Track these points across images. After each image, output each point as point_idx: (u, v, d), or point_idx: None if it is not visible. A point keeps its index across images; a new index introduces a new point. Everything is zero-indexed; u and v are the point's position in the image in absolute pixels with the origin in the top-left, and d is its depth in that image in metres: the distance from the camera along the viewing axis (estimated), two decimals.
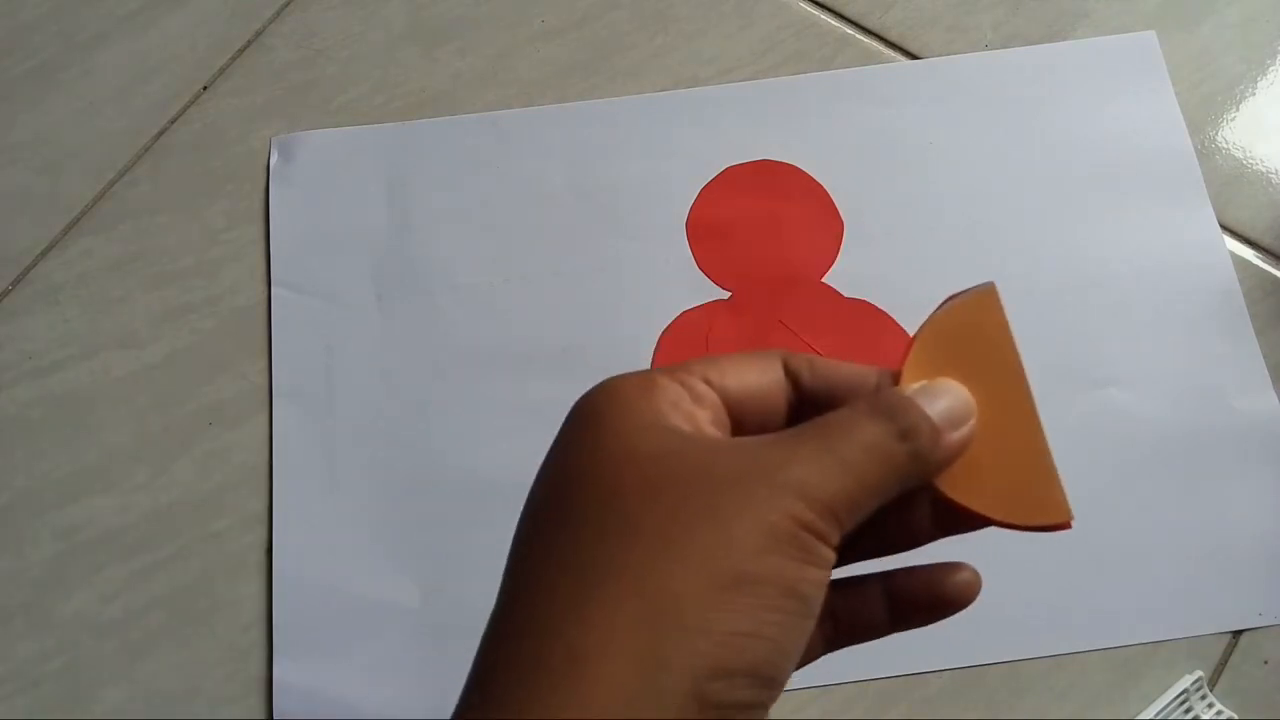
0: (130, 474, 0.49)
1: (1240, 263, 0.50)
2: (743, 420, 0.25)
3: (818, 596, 0.22)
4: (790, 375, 0.26)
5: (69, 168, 0.55)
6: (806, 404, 0.26)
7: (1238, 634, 0.44)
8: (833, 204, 0.52)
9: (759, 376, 0.26)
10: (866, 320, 0.50)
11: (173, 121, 0.56)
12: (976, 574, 0.27)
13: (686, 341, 0.50)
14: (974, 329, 0.27)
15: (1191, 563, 0.45)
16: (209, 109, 0.56)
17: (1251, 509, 0.46)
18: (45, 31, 0.58)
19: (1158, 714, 0.42)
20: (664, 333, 0.50)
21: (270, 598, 0.46)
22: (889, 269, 0.51)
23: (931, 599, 0.26)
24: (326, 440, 0.49)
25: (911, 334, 0.27)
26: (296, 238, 0.53)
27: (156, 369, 0.51)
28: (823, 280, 0.51)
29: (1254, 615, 0.44)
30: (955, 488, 0.25)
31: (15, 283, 0.53)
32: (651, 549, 0.21)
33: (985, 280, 0.27)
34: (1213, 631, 0.44)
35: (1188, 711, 0.43)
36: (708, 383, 0.25)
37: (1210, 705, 0.43)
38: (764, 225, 0.52)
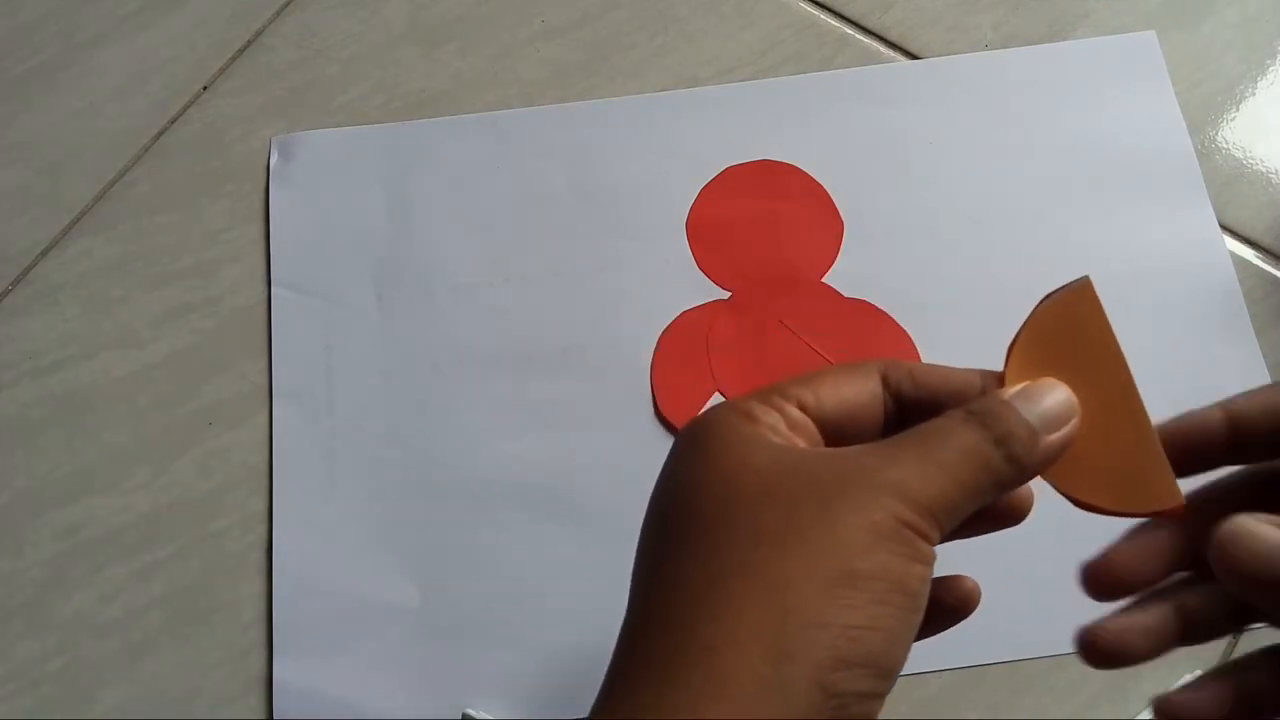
0: (130, 474, 0.49)
1: (1240, 263, 0.50)
2: (839, 438, 0.27)
3: (923, 591, 0.23)
4: (890, 387, 0.27)
5: (69, 168, 0.55)
6: (908, 413, 0.27)
7: (1238, 634, 0.44)
8: (833, 204, 0.52)
9: (856, 393, 0.27)
10: (866, 320, 0.50)
11: (173, 121, 0.56)
12: (976, 585, 0.28)
13: (686, 341, 0.50)
14: (1073, 323, 0.28)
15: None
16: (209, 109, 0.56)
17: None
18: (45, 31, 0.58)
19: None
20: (664, 333, 0.50)
21: (270, 598, 0.46)
22: (889, 269, 0.51)
23: (933, 612, 0.27)
24: (326, 440, 0.49)
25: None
26: (296, 238, 0.53)
27: (156, 369, 0.51)
28: (823, 280, 0.51)
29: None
30: (1065, 479, 0.26)
31: (15, 283, 0.53)
32: (771, 550, 0.22)
33: (1080, 276, 0.28)
34: None
35: None
36: (803, 407, 0.26)
37: None
38: (764, 225, 0.52)
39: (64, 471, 0.49)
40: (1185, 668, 0.43)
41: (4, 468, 0.49)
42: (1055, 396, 0.26)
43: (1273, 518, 0.24)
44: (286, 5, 0.58)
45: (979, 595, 0.29)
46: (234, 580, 0.47)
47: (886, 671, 0.22)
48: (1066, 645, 0.44)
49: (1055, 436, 0.25)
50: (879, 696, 0.23)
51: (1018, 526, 0.42)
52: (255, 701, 0.45)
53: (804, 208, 0.52)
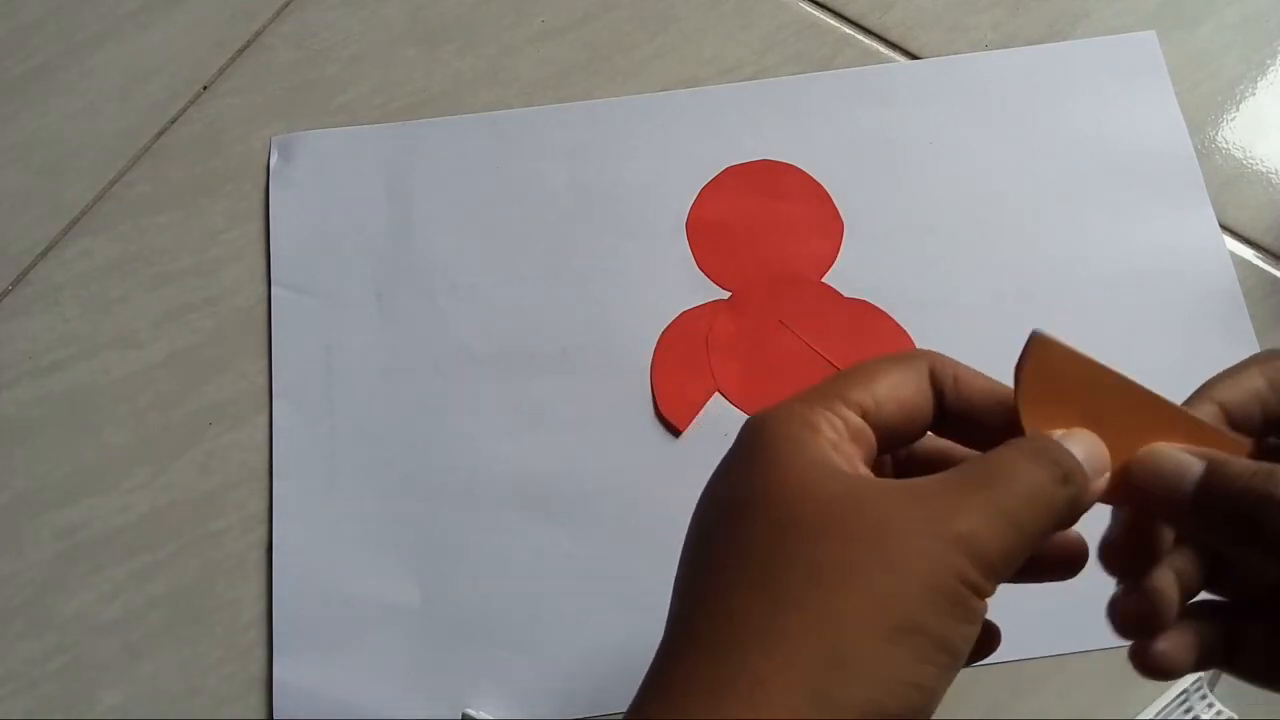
0: (130, 474, 0.49)
1: (1240, 263, 0.50)
2: (892, 438, 0.27)
3: (966, 651, 0.23)
4: (935, 384, 0.27)
5: (69, 168, 0.55)
6: (947, 414, 0.27)
7: None
8: (833, 204, 0.52)
9: (912, 395, 0.27)
10: (866, 320, 0.50)
11: (173, 121, 0.56)
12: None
13: (686, 341, 0.50)
14: (1059, 375, 0.27)
15: None
16: (209, 109, 0.56)
17: None
18: (45, 31, 0.58)
19: (1158, 714, 0.42)
20: (664, 333, 0.50)
21: (270, 597, 0.46)
22: (889, 269, 0.51)
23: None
24: (326, 440, 0.49)
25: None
26: (296, 238, 0.53)
27: (156, 369, 0.51)
28: (823, 280, 0.51)
29: None
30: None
31: (15, 283, 0.53)
32: (830, 590, 0.22)
33: (1030, 332, 0.27)
34: None
35: (1188, 711, 0.43)
36: (864, 413, 0.26)
37: (1210, 705, 0.43)
38: (764, 225, 0.52)
39: (64, 471, 0.49)
40: None
41: (4, 468, 0.49)
42: (1092, 442, 0.26)
43: (1195, 448, 0.26)
44: (286, 5, 0.58)
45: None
46: (234, 580, 0.47)
47: None
48: (1066, 645, 0.44)
49: (1101, 481, 0.26)
50: None
51: None
52: (255, 701, 0.45)
53: (804, 208, 0.52)
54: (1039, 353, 0.27)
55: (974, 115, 0.54)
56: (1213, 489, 0.25)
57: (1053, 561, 0.28)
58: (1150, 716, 0.42)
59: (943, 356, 0.28)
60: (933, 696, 0.23)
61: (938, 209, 0.52)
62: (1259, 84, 0.54)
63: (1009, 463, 0.24)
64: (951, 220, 0.52)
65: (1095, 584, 0.47)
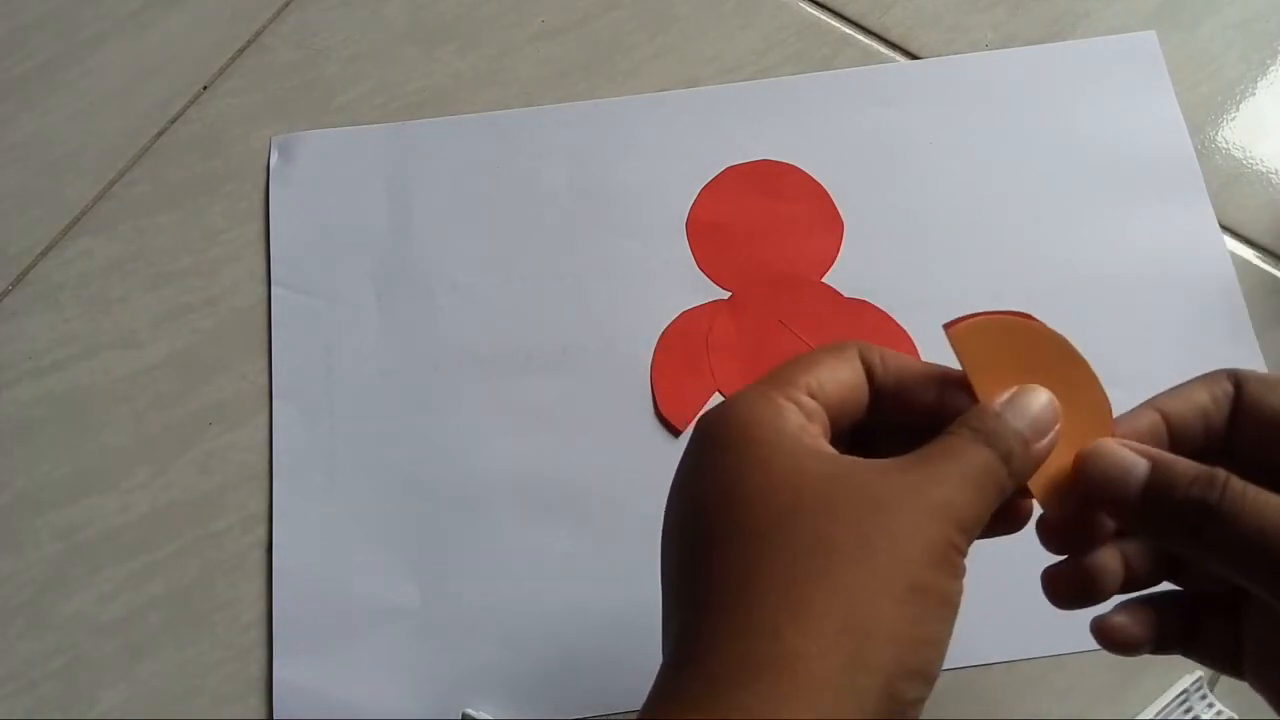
0: (130, 474, 0.49)
1: (1240, 263, 0.50)
2: (838, 419, 0.28)
3: (959, 603, 0.25)
4: (865, 367, 0.29)
5: (69, 168, 0.55)
6: (881, 395, 0.29)
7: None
8: (833, 204, 0.52)
9: (850, 378, 0.28)
10: (866, 320, 0.50)
11: (173, 121, 0.56)
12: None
13: (686, 341, 0.50)
14: (1023, 333, 0.28)
15: None
16: (209, 109, 0.56)
17: None
18: (45, 31, 0.58)
19: (1158, 714, 0.42)
20: (664, 333, 0.50)
21: (270, 598, 0.46)
22: (889, 269, 0.51)
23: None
24: (326, 440, 0.49)
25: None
26: (296, 238, 0.53)
27: (156, 369, 0.51)
28: (823, 280, 0.51)
29: None
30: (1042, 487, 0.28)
31: (15, 283, 0.53)
32: (846, 563, 0.24)
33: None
34: None
35: (1188, 711, 0.43)
36: (813, 395, 0.28)
37: (1210, 705, 0.43)
38: (764, 225, 0.52)
39: (64, 471, 0.49)
40: (1185, 668, 0.44)
41: (4, 468, 0.49)
42: (1042, 404, 0.27)
43: (1137, 445, 0.27)
44: (286, 5, 0.58)
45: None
46: (234, 580, 0.47)
47: (933, 679, 0.24)
48: (1066, 645, 0.44)
49: (1040, 445, 0.27)
50: (924, 702, 0.25)
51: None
52: (255, 701, 0.45)
53: (804, 208, 0.52)
54: (969, 334, 0.28)
55: (974, 115, 0.54)
56: (1156, 491, 0.26)
57: (1001, 519, 0.29)
58: (1150, 716, 0.42)
59: (869, 344, 0.29)
60: (941, 649, 0.24)
61: (938, 209, 0.52)
62: (1259, 84, 0.54)
63: (960, 445, 0.26)
64: (951, 220, 0.52)
65: None
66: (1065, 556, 0.30)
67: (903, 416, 0.29)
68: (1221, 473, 0.26)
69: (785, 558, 0.24)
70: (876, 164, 0.53)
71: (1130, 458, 0.27)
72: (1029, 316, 0.28)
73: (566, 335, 0.50)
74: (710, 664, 0.24)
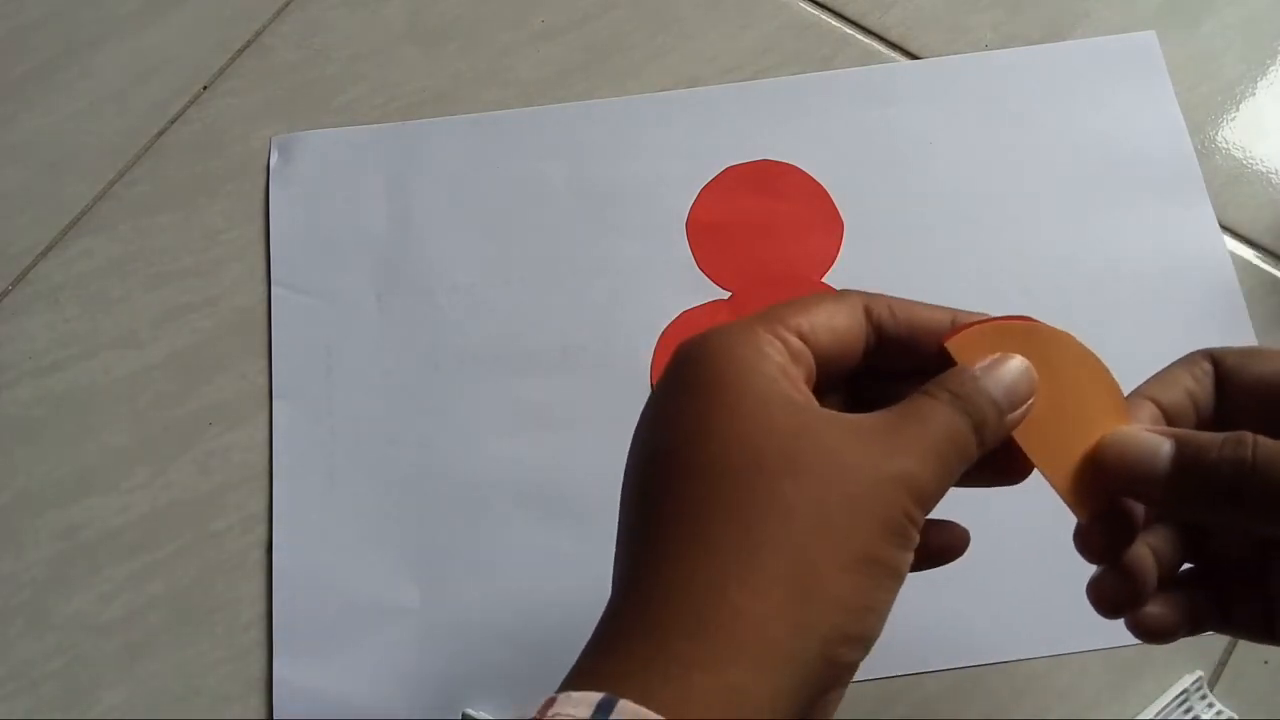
0: (130, 474, 0.49)
1: (1240, 263, 0.50)
2: (827, 365, 0.28)
3: (906, 573, 0.25)
4: (872, 320, 0.28)
5: (69, 168, 0.55)
6: (886, 345, 0.29)
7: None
8: (833, 204, 0.52)
9: (847, 325, 0.28)
10: None
11: (173, 121, 0.56)
12: (966, 531, 0.31)
13: None
14: (1024, 334, 0.28)
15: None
16: (209, 109, 0.56)
17: None
18: (45, 31, 0.58)
19: (1158, 714, 0.42)
20: (664, 333, 0.50)
21: (270, 597, 0.46)
22: (889, 269, 0.51)
23: (931, 551, 0.30)
24: (326, 440, 0.49)
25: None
26: (296, 238, 0.53)
27: (156, 369, 0.51)
28: (822, 280, 0.51)
29: None
30: (1030, 439, 0.27)
31: (15, 283, 0.53)
32: (801, 530, 0.24)
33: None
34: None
35: (1188, 711, 0.43)
36: (802, 337, 0.27)
37: (1210, 705, 0.43)
38: (764, 225, 0.52)
39: (64, 471, 0.49)
40: (1185, 668, 0.44)
41: (4, 468, 0.49)
42: (1020, 373, 0.27)
43: (1156, 427, 0.28)
44: (286, 5, 0.58)
45: (968, 540, 0.31)
46: (234, 580, 0.47)
47: (871, 644, 0.25)
48: (1066, 645, 0.44)
49: (1013, 416, 0.27)
50: (857, 666, 0.25)
51: (1019, 528, 0.43)
52: (255, 701, 0.45)
53: (804, 208, 0.52)
54: (967, 343, 0.28)
55: (974, 115, 0.54)
56: (1187, 465, 0.26)
57: (997, 470, 0.29)
58: (1150, 716, 0.42)
59: (877, 295, 0.29)
60: (883, 616, 0.25)
61: (938, 209, 0.52)
62: (1259, 84, 0.54)
63: (931, 410, 0.26)
64: (952, 220, 0.52)
65: None
66: (1103, 565, 0.29)
67: (915, 363, 0.29)
68: (1248, 433, 0.26)
69: (741, 517, 0.24)
70: (876, 164, 0.53)
71: (1153, 437, 0.27)
72: (1029, 319, 0.28)
73: (566, 335, 0.50)
74: (655, 613, 0.24)
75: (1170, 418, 0.29)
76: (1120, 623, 0.45)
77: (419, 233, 0.53)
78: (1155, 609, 0.29)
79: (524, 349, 0.50)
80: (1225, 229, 0.51)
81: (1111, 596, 0.29)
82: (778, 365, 0.26)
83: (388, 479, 0.48)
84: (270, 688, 0.45)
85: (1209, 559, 0.31)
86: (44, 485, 0.49)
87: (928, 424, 0.26)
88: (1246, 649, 0.44)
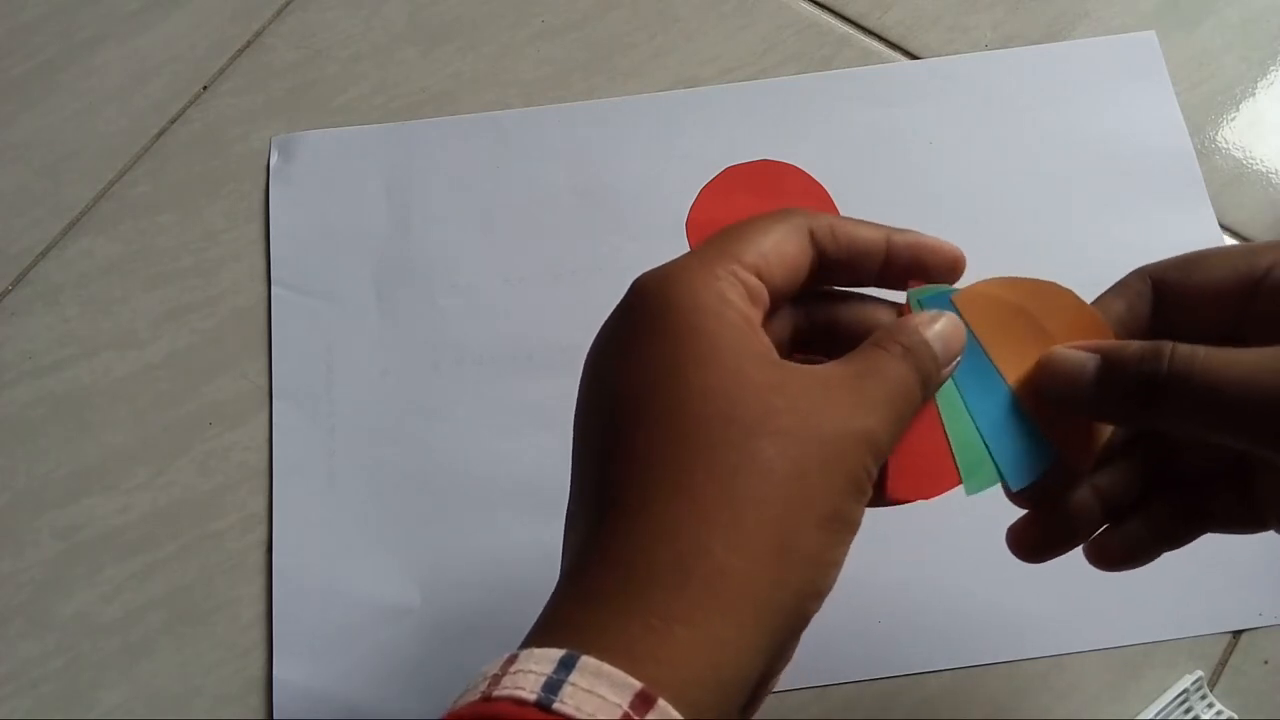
0: (130, 474, 0.49)
1: None
2: (777, 294, 0.28)
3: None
4: (816, 242, 0.29)
5: (69, 168, 0.55)
6: (826, 266, 0.29)
7: (1238, 634, 0.44)
8: (833, 204, 0.52)
9: (796, 253, 0.29)
10: None
11: (173, 121, 0.56)
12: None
13: None
14: (986, 298, 0.31)
15: (1191, 563, 0.45)
16: (209, 109, 0.56)
17: None
18: (45, 31, 0.58)
19: (1158, 714, 0.42)
20: None
21: (270, 597, 0.46)
22: None
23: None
24: (326, 440, 0.49)
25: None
26: (296, 238, 0.53)
27: (156, 369, 0.51)
28: None
29: (1254, 615, 0.44)
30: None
31: (15, 283, 0.53)
32: (778, 488, 0.24)
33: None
34: (1213, 631, 0.44)
35: (1188, 711, 0.43)
36: (758, 273, 0.28)
37: (1210, 705, 0.43)
38: None
39: (64, 471, 0.49)
40: (1185, 667, 0.44)
41: (4, 468, 0.49)
42: (952, 326, 0.29)
43: (1086, 343, 0.29)
44: (286, 5, 0.58)
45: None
46: (234, 580, 0.47)
47: (825, 597, 0.25)
48: (1066, 645, 0.44)
49: (947, 370, 0.28)
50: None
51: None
52: (255, 701, 0.45)
53: (804, 208, 0.52)
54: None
55: (974, 115, 0.54)
56: (1108, 377, 0.28)
57: None
58: (1150, 716, 0.42)
59: (817, 213, 0.30)
60: (839, 570, 0.26)
61: (938, 209, 0.52)
62: (1259, 84, 0.54)
63: (887, 363, 0.27)
64: (951, 220, 0.52)
65: (1095, 584, 0.47)
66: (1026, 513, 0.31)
67: (850, 282, 0.30)
68: (1167, 344, 0.27)
69: (720, 473, 0.24)
70: (876, 164, 0.53)
71: (1079, 354, 0.28)
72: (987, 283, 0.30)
73: (566, 335, 0.50)
74: (632, 563, 0.24)
75: (1125, 331, 0.30)
76: (1120, 622, 0.45)
77: (419, 233, 0.53)
78: (1113, 539, 0.31)
79: (524, 349, 0.50)
80: (1225, 229, 0.51)
81: (1033, 542, 0.31)
82: (740, 313, 0.27)
83: (388, 479, 0.48)
84: (270, 688, 0.45)
85: (1186, 469, 0.32)
86: (44, 485, 0.49)
87: (885, 379, 0.26)
88: (1246, 649, 0.44)
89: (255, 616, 0.46)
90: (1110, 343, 0.29)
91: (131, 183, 0.55)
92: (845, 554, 0.25)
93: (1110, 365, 0.28)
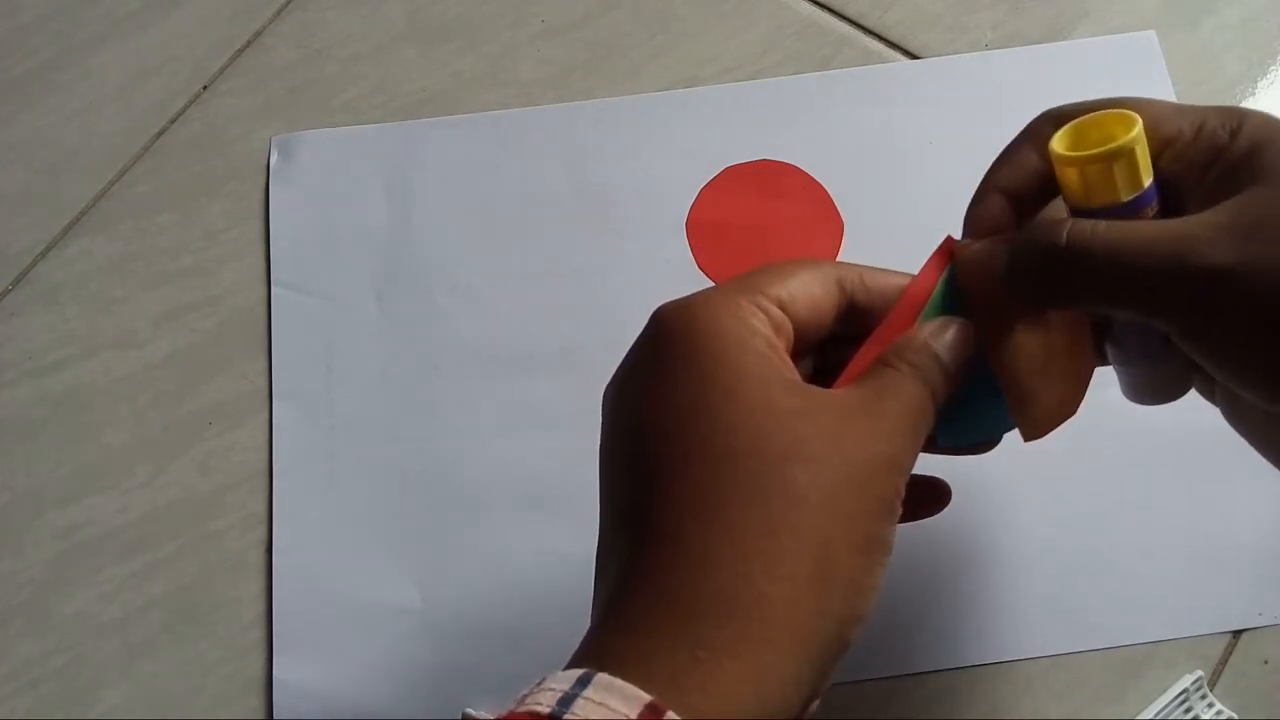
0: (130, 474, 0.49)
1: None
2: (803, 333, 0.29)
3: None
4: (845, 290, 0.30)
5: (69, 168, 0.55)
6: (857, 313, 0.30)
7: (1238, 634, 0.44)
8: (833, 204, 0.52)
9: (823, 294, 0.29)
10: None
11: (173, 121, 0.56)
12: (946, 483, 0.32)
13: None
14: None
15: (1191, 563, 0.45)
16: (209, 109, 0.56)
17: (1251, 508, 0.46)
18: (45, 31, 0.58)
19: (1158, 714, 0.42)
20: None
21: (270, 598, 0.46)
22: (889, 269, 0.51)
23: (920, 505, 0.31)
24: (326, 440, 0.49)
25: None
26: (296, 238, 0.53)
27: (156, 369, 0.51)
28: None
29: (1254, 615, 0.44)
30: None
31: (15, 283, 0.53)
32: (815, 516, 0.24)
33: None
34: (1213, 631, 0.44)
35: (1188, 711, 0.43)
36: (782, 306, 0.28)
37: (1210, 705, 0.43)
38: (764, 225, 0.52)
39: (64, 471, 0.49)
40: (1185, 667, 0.44)
41: (4, 468, 0.49)
42: (962, 339, 0.28)
43: (996, 238, 0.30)
44: (286, 5, 0.58)
45: (949, 491, 0.32)
46: (234, 580, 0.47)
47: (869, 622, 0.25)
48: (1066, 645, 0.44)
49: (955, 375, 0.28)
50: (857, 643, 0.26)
51: (1019, 528, 0.42)
52: (255, 701, 0.45)
53: (804, 208, 0.52)
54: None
55: (974, 115, 0.54)
56: (1017, 268, 0.28)
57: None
58: (1150, 716, 0.42)
59: (849, 265, 0.30)
60: (879, 595, 0.26)
61: (938, 209, 0.52)
62: (1259, 84, 0.54)
63: (900, 383, 0.27)
64: (951, 220, 0.52)
65: (1095, 584, 0.47)
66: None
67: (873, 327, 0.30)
68: (1067, 219, 0.27)
69: (756, 503, 0.24)
70: (876, 164, 0.53)
71: (988, 250, 0.29)
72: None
73: (566, 335, 0.50)
74: (675, 596, 0.24)
75: (1019, 203, 0.31)
76: (1120, 622, 0.45)
77: (419, 233, 0.53)
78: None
79: (524, 349, 0.50)
80: None
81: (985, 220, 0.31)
82: (765, 340, 0.27)
83: (388, 479, 0.48)
84: (270, 688, 0.45)
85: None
86: (44, 485, 0.49)
87: (901, 399, 0.27)
88: (1246, 649, 0.44)
89: (255, 616, 0.46)
90: (1016, 236, 0.29)
91: (131, 182, 0.55)
92: (883, 577, 0.25)
93: (1018, 256, 0.28)
